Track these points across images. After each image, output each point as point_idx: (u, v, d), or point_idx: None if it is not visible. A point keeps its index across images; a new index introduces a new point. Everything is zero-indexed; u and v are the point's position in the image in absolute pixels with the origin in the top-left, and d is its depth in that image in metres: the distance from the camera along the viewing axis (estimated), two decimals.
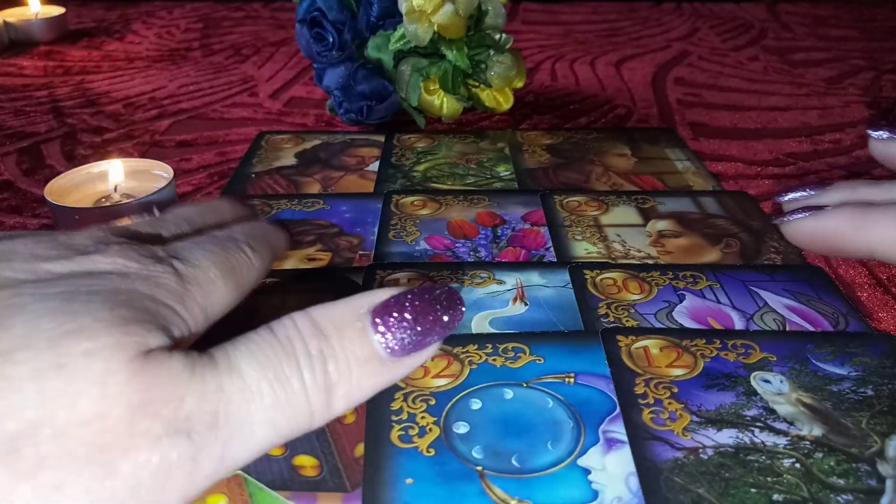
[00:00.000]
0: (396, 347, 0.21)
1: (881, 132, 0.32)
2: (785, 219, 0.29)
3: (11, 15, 0.77)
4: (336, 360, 0.20)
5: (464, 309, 0.22)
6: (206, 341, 0.20)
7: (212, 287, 0.22)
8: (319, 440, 0.24)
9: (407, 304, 0.21)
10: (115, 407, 0.16)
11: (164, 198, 0.38)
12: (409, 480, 0.23)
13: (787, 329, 0.30)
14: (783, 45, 0.77)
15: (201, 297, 0.21)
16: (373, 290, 0.22)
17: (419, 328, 0.21)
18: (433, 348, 0.22)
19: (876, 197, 0.29)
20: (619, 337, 0.29)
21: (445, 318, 0.21)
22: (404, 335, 0.21)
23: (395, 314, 0.21)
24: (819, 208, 0.29)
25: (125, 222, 0.25)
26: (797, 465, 0.23)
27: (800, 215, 0.29)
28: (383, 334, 0.20)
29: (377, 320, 0.21)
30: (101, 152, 0.50)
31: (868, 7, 0.92)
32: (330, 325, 0.20)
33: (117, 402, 0.16)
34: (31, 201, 0.43)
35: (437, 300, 0.21)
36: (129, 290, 0.19)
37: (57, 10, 0.79)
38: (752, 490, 0.22)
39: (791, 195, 0.32)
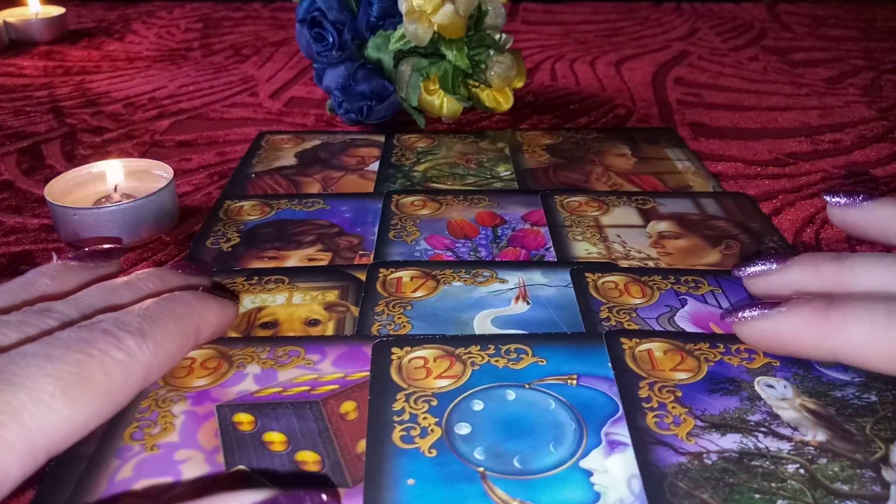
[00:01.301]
0: None
1: (837, 198, 0.30)
2: (736, 318, 0.27)
3: (11, 15, 0.77)
4: None
5: None
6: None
7: (43, 412, 0.18)
8: (322, 436, 0.24)
9: None
10: None
11: (164, 198, 0.38)
12: (410, 481, 0.23)
13: None
14: (783, 45, 0.77)
15: (21, 436, 0.17)
16: (233, 495, 0.18)
17: None
18: None
19: (840, 277, 0.27)
20: (622, 339, 0.29)
21: None
22: None
23: None
24: (774, 304, 0.26)
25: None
26: (801, 471, 0.23)
27: (753, 313, 0.26)
28: None
29: None
30: (101, 152, 0.50)
31: (868, 7, 0.92)
32: None
33: None
34: (31, 201, 0.43)
35: None
36: None
37: (57, 10, 0.79)
38: (757, 496, 0.22)
39: (752, 269, 0.29)
